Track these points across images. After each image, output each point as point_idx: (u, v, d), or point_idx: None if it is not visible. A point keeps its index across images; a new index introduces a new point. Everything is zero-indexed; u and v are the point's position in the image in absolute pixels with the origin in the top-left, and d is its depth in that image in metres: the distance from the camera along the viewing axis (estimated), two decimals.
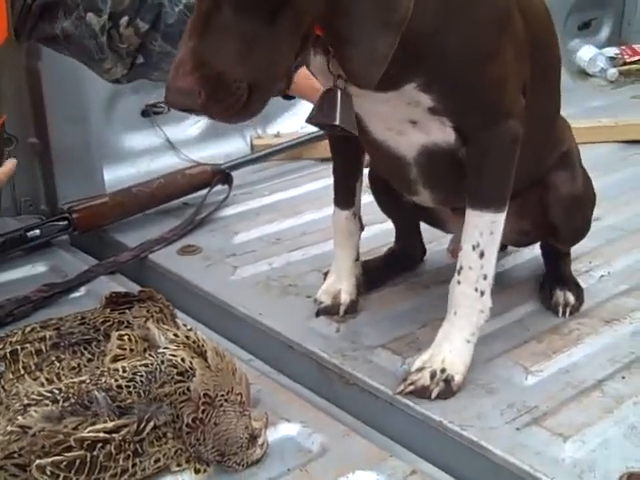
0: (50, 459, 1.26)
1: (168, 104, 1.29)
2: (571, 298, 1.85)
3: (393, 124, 1.57)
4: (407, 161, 1.63)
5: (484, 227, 1.58)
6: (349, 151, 1.77)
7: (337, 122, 1.44)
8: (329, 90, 1.45)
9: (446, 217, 1.91)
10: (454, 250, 1.95)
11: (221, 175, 2.46)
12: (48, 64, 2.35)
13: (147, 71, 2.12)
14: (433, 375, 1.57)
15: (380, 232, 2.08)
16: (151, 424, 1.34)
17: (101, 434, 1.29)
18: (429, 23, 1.40)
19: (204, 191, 2.42)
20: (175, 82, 1.24)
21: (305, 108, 2.93)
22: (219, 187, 2.46)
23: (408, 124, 1.55)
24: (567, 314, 1.82)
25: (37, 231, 2.17)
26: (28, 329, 1.55)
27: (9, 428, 1.29)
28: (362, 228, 1.87)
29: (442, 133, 1.54)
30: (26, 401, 1.33)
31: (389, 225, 2.03)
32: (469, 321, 1.60)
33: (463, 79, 1.47)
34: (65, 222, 2.22)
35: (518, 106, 1.55)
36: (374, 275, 1.94)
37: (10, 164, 1.82)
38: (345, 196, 1.83)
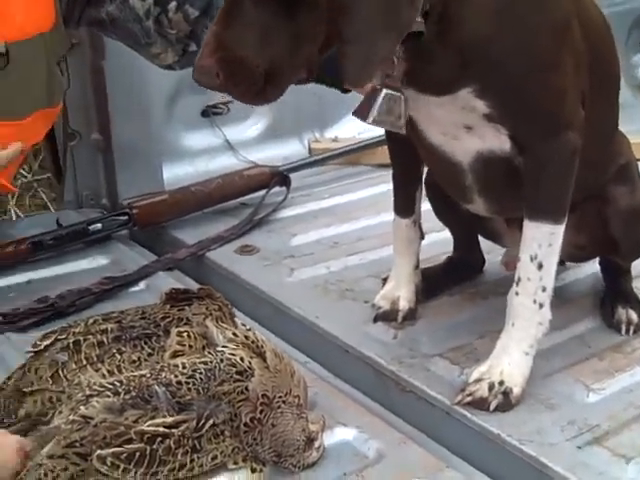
0: (111, 450, 1.27)
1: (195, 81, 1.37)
2: (634, 316, 1.81)
3: (448, 129, 1.56)
4: (462, 167, 1.61)
5: (542, 239, 1.56)
6: (409, 158, 1.77)
7: (370, 120, 1.49)
8: (374, 88, 1.48)
9: (501, 230, 1.90)
10: (507, 263, 1.93)
11: (279, 177, 2.46)
12: (112, 62, 2.38)
13: None
14: (491, 387, 1.55)
15: (439, 240, 2.06)
16: (210, 421, 1.34)
17: (161, 428, 1.30)
18: (485, 29, 1.40)
19: (262, 192, 2.43)
20: (199, 62, 1.33)
21: None
22: (277, 189, 2.46)
23: (463, 129, 1.54)
24: (630, 332, 1.79)
25: (98, 225, 2.20)
26: (91, 321, 1.56)
27: (71, 417, 1.31)
28: (422, 236, 1.86)
29: (497, 140, 1.53)
30: (88, 392, 1.35)
31: (448, 234, 2.02)
32: (527, 333, 1.58)
33: (520, 87, 1.45)
34: (125, 217, 2.24)
35: (577, 118, 1.53)
36: (433, 283, 1.93)
37: (15, 146, 1.80)
38: (405, 204, 1.83)
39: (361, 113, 1.51)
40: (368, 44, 1.32)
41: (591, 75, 1.56)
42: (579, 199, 1.67)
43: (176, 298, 1.65)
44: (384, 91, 1.47)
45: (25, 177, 4.08)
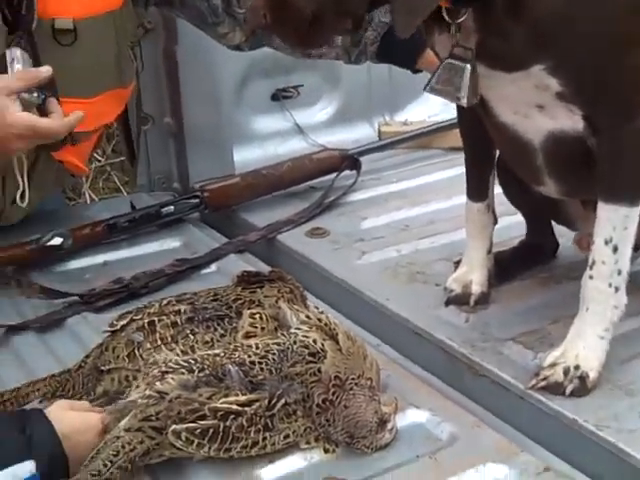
0: (185, 425, 1.29)
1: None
2: None
3: (519, 107, 1.53)
4: (533, 147, 1.58)
5: (618, 221, 1.52)
6: (481, 141, 1.74)
7: (427, 89, 1.50)
8: (441, 62, 1.48)
9: (575, 214, 1.86)
10: (580, 240, 1.88)
11: (349, 160, 2.45)
12: (184, 47, 2.40)
13: (268, 39, 2.11)
14: (567, 371, 1.53)
15: (512, 224, 2.02)
16: (282, 401, 1.35)
17: (234, 406, 1.32)
18: (561, 3, 1.37)
19: (331, 176, 2.42)
20: (252, 3, 1.42)
21: (433, 97, 2.94)
22: (347, 172, 2.45)
23: (535, 108, 1.50)
24: None
25: (171, 208, 2.22)
26: (165, 302, 1.59)
27: (147, 392, 1.33)
28: (496, 221, 1.84)
29: (570, 120, 1.49)
30: (164, 368, 1.37)
31: (521, 217, 1.99)
32: (602, 317, 1.55)
33: (596, 65, 1.41)
34: (197, 200, 2.26)
35: None
36: (505, 267, 1.90)
37: (76, 114, 1.78)
38: (478, 188, 1.80)
39: (429, 87, 1.51)
40: None
41: None
42: None
43: (248, 280, 1.67)
44: (446, 60, 1.46)
45: (99, 161, 4.15)
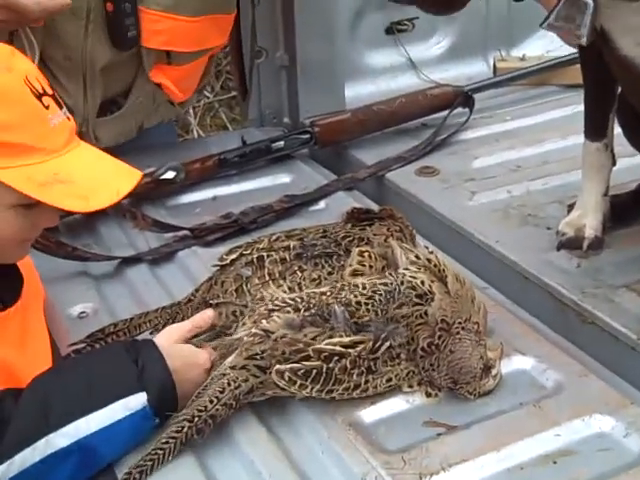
0: (289, 365, 1.31)
1: None
2: None
3: None
4: None
5: None
6: (603, 76, 1.66)
7: (544, 25, 1.44)
8: None
9: None
10: None
11: (463, 97, 2.40)
12: None
13: None
14: None
15: (630, 166, 1.95)
16: (387, 344, 1.35)
17: (338, 347, 1.32)
18: None
19: (444, 113, 2.37)
20: None
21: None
22: (459, 110, 2.40)
23: None
24: None
25: (281, 143, 2.22)
26: (274, 237, 1.60)
27: (253, 330, 1.35)
28: (614, 162, 1.77)
29: None
30: (270, 306, 1.38)
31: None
32: None
33: None
34: (307, 136, 2.26)
35: None
36: (622, 211, 1.84)
37: None
38: (597, 126, 1.73)
39: (547, 23, 1.46)
40: None
41: None
42: None
43: (358, 218, 1.66)
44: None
45: (207, 97, 4.19)
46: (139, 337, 1.48)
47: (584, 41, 1.43)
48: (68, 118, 1.33)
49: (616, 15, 1.43)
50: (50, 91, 1.31)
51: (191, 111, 4.08)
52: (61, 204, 1.28)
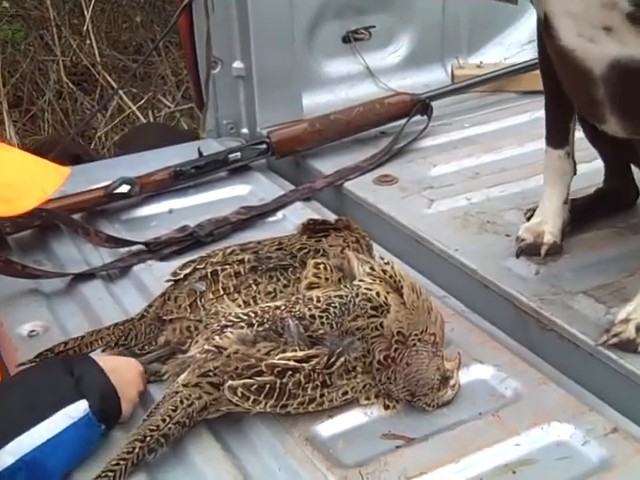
0: (242, 381, 1.28)
1: None
2: None
3: (585, 29, 1.41)
4: (593, 77, 1.47)
5: None
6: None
7: None
8: None
9: None
10: None
11: (420, 105, 2.39)
12: None
13: None
14: (639, 328, 1.47)
15: (588, 172, 1.95)
16: (342, 359, 1.33)
17: (291, 362, 1.30)
18: None
19: (402, 121, 2.37)
20: None
21: (508, 39, 2.86)
22: (418, 117, 2.39)
23: (601, 31, 1.39)
24: None
25: (238, 154, 2.20)
26: (228, 251, 1.58)
27: (206, 347, 1.33)
28: (575, 170, 1.77)
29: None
30: (223, 322, 1.36)
31: (598, 164, 1.91)
32: None
33: None
34: (264, 146, 2.24)
35: None
36: (580, 216, 1.84)
37: None
38: (558, 134, 1.73)
39: None
40: None
41: None
42: None
43: (313, 229, 1.64)
44: None
45: (168, 107, 4.17)
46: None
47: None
48: None
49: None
50: None
51: (152, 121, 4.06)
52: None
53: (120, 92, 4.00)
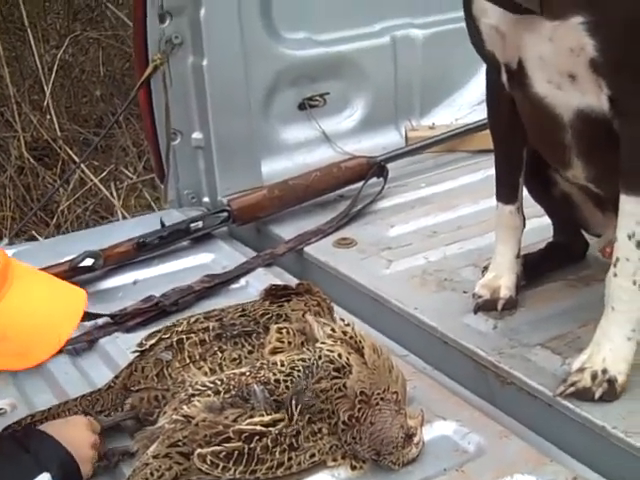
0: (210, 449, 1.31)
1: None
2: None
3: (553, 75, 1.51)
4: (562, 122, 1.56)
5: None
6: (512, 138, 1.74)
7: None
8: None
9: (591, 218, 1.85)
10: (603, 249, 1.87)
11: (376, 168, 2.45)
12: (211, 61, 2.41)
13: None
14: (594, 376, 1.52)
15: (538, 226, 2.02)
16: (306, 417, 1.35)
17: (258, 427, 1.33)
18: None
19: (359, 183, 2.43)
20: None
21: (459, 100, 2.94)
22: (375, 180, 2.45)
23: (567, 78, 1.49)
24: None
25: (200, 223, 2.24)
26: (193, 319, 1.61)
27: (174, 417, 1.35)
28: (524, 224, 1.83)
29: (597, 98, 1.48)
30: (190, 391, 1.39)
31: (548, 219, 1.98)
32: (629, 317, 1.53)
33: (632, 33, 1.40)
34: (225, 214, 2.28)
35: None
36: (534, 270, 1.90)
37: None
38: (508, 190, 1.80)
39: None
40: None
41: None
42: None
43: (275, 294, 1.68)
44: None
45: (130, 178, 4.20)
46: None
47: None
48: None
49: (532, 42, 1.49)
50: None
51: (114, 193, 4.08)
52: None
53: (82, 165, 4.03)
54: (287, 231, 2.27)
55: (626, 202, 1.51)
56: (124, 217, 3.96)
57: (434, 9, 2.79)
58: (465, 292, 1.89)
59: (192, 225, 2.23)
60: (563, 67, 1.49)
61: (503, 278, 1.82)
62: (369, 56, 2.74)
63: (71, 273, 2.01)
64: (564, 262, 1.96)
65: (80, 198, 4.09)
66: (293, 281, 1.91)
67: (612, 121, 1.50)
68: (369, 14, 2.75)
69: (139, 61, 2.44)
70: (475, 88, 2.83)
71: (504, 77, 1.63)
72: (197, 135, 2.49)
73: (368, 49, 2.74)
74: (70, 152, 4.24)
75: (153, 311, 1.92)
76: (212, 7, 2.38)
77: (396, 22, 2.80)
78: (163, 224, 2.22)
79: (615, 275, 1.54)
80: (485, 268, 1.90)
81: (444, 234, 2.19)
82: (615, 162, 1.52)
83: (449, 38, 2.74)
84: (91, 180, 4.07)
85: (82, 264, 2.02)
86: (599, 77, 1.46)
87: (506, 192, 1.80)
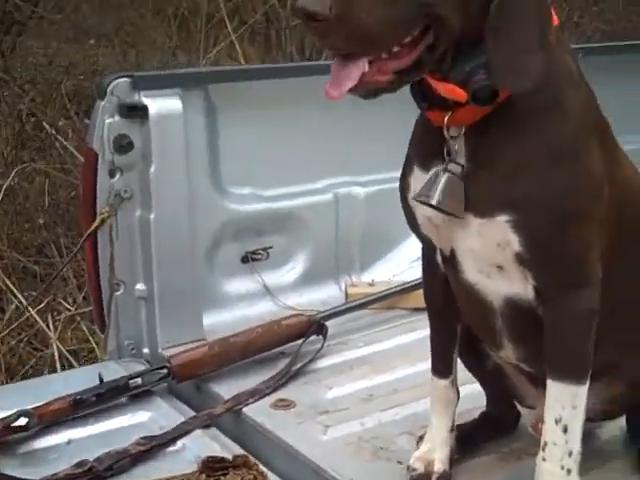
0: None
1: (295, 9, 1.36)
2: None
3: (483, 266, 1.60)
4: (493, 309, 1.65)
5: (566, 400, 1.58)
6: (447, 318, 1.82)
7: (434, 201, 1.54)
8: (437, 171, 1.56)
9: (524, 392, 1.90)
10: (535, 425, 1.92)
11: (316, 326, 2.50)
12: (158, 215, 2.46)
13: None
14: None
15: (471, 393, 2.04)
16: None
17: None
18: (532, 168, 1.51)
19: (300, 340, 2.46)
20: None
21: (398, 256, 3.03)
22: (315, 337, 2.49)
23: (495, 269, 1.59)
24: None
25: (139, 380, 2.23)
26: None
27: None
28: (458, 396, 1.88)
29: (523, 287, 1.58)
30: None
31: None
32: None
33: (551, 232, 1.51)
34: (165, 371, 2.28)
35: (595, 276, 1.57)
36: (467, 442, 1.93)
37: None
38: (443, 364, 1.86)
39: (424, 195, 1.57)
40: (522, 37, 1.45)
41: (624, 243, 1.62)
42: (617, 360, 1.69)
43: (212, 467, 1.69)
44: (446, 174, 1.54)
45: (69, 310, 4.16)
46: None
47: (462, 215, 1.55)
48: None
49: (463, 235, 1.58)
50: None
51: (51, 325, 4.03)
52: None
53: (19, 295, 3.99)
54: (226, 389, 2.28)
55: (552, 386, 1.59)
56: (59, 353, 3.90)
57: (376, 168, 2.90)
58: (400, 462, 1.91)
59: (131, 382, 2.22)
60: (491, 259, 1.58)
61: (437, 452, 1.85)
62: (312, 212, 2.83)
63: (2, 433, 1.98)
64: (497, 434, 2.00)
65: (15, 329, 4.03)
66: (231, 445, 1.92)
67: (537, 309, 1.59)
68: (314, 172, 2.85)
69: (86, 212, 2.49)
70: (413, 245, 2.84)
71: (439, 259, 1.71)
72: (140, 286, 2.52)
73: (311, 205, 2.84)
74: (7, 281, 4.20)
75: (86, 476, 1.89)
76: (162, 164, 2.46)
77: (339, 179, 2.91)
78: (101, 379, 2.21)
79: (544, 459, 1.59)
80: (420, 438, 1.93)
81: (381, 397, 2.22)
82: (542, 346, 1.60)
83: (390, 196, 2.83)
84: (28, 311, 4.02)
85: (15, 423, 1.99)
86: (525, 269, 1.56)
87: (440, 367, 1.86)
